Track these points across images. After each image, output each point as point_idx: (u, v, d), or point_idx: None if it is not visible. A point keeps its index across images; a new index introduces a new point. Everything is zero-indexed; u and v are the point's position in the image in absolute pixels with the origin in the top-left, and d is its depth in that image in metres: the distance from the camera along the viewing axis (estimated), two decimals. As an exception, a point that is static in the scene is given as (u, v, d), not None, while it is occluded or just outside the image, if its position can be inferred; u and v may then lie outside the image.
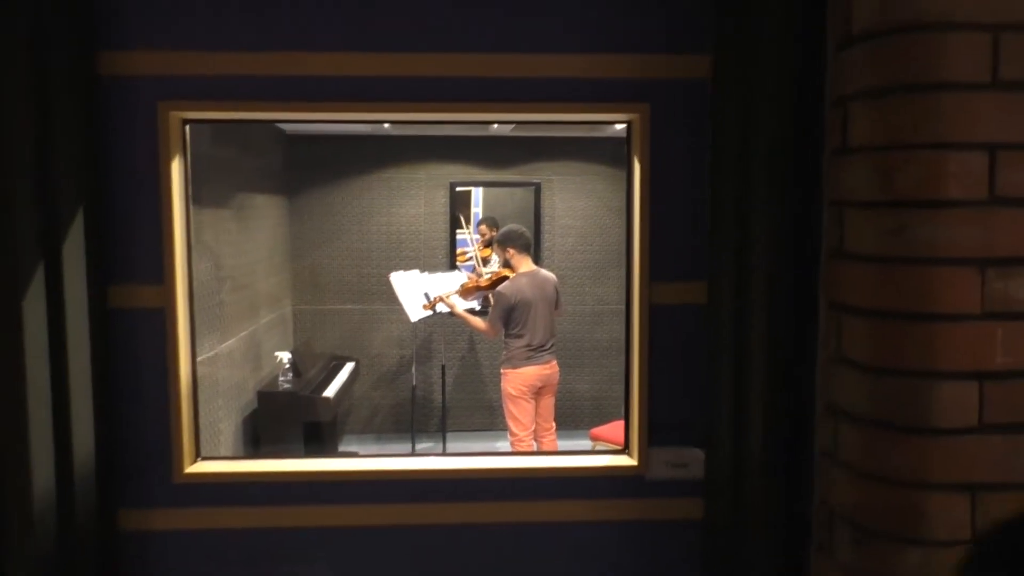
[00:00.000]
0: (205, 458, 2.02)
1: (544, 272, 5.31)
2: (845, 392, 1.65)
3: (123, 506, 1.94)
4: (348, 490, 2.03)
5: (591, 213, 6.77)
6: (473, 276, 5.50)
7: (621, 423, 5.70)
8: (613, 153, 6.71)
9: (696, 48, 1.98)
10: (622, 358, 6.77)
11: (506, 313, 5.07)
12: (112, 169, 1.90)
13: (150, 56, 1.90)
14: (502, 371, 5.16)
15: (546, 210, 6.76)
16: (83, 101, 1.81)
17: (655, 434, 2.03)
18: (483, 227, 6.68)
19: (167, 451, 1.93)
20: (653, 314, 2.01)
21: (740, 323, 1.86)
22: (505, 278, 5.30)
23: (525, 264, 5.22)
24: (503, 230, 5.37)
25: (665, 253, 2.01)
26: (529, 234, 5.35)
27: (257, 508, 1.99)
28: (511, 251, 5.26)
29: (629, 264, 2.08)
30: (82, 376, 1.78)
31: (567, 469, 2.04)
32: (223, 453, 4.67)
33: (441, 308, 5.73)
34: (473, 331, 6.15)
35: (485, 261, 6.42)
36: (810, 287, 1.81)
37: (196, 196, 4.54)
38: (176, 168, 1.92)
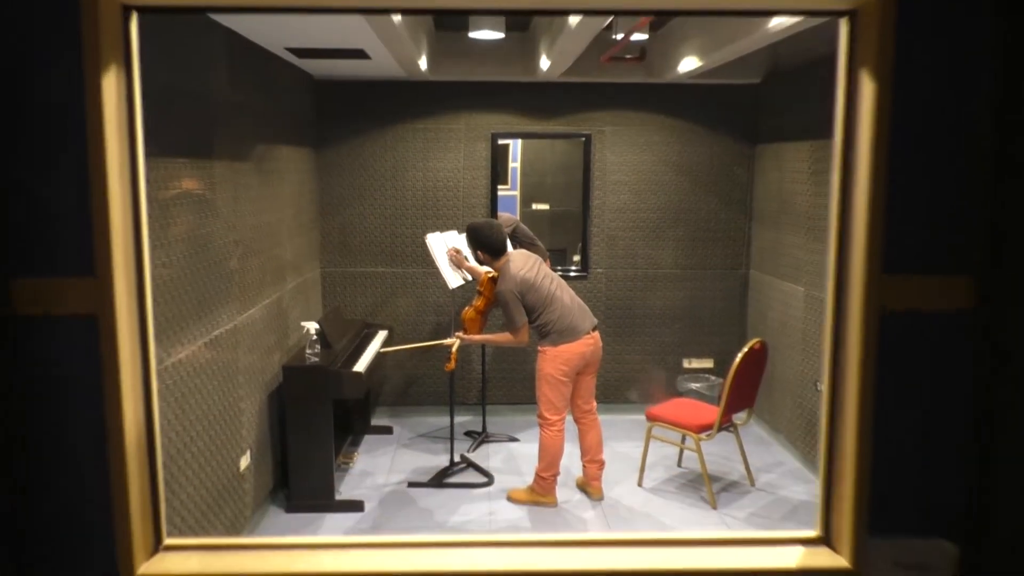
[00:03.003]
0: (168, 548, 1.24)
1: (517, 251, 4.47)
2: None
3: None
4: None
5: (646, 168, 5.90)
6: (468, 309, 4.57)
7: (680, 401, 4.90)
8: (675, 101, 5.81)
9: None
10: (676, 327, 5.85)
11: (519, 302, 4.22)
12: (11, 90, 1.11)
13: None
14: (540, 348, 4.33)
15: (596, 164, 5.89)
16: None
17: (877, 516, 1.24)
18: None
19: (109, 541, 1.17)
20: (883, 325, 1.20)
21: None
22: (493, 279, 4.46)
23: (501, 259, 4.35)
24: (474, 226, 4.40)
25: (906, 230, 1.19)
26: (503, 231, 4.42)
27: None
28: (482, 255, 4.39)
29: (843, 247, 1.25)
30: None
31: (740, 573, 1.25)
32: (244, 436, 3.96)
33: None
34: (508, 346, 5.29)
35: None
36: None
37: (208, 147, 3.78)
38: (113, 86, 1.13)
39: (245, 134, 4.08)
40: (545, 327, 4.25)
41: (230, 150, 3.82)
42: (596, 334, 4.36)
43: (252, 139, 4.20)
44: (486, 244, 4.33)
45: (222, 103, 3.71)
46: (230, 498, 3.78)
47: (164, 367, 3.02)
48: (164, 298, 3.01)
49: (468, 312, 4.52)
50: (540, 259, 4.44)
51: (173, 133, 3.14)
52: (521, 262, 4.30)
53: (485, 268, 4.59)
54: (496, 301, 4.39)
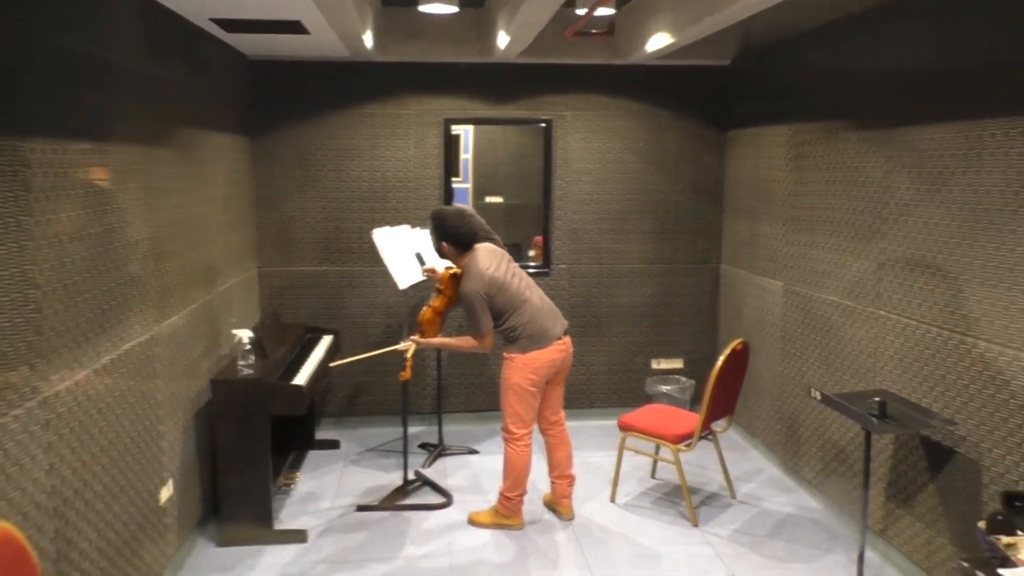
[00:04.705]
0: None
1: (483, 244, 3.84)
2: None
3: None
4: None
5: (612, 156, 5.43)
6: (425, 309, 3.96)
7: (653, 407, 4.34)
8: (641, 83, 5.35)
9: None
10: (644, 325, 5.40)
11: (485, 305, 3.67)
12: None
13: None
14: (506, 356, 3.80)
15: (558, 152, 5.40)
16: None
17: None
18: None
19: None
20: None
21: None
22: (455, 275, 3.86)
23: (467, 254, 3.79)
24: (441, 214, 3.81)
25: None
26: (473, 221, 3.82)
27: None
28: (447, 247, 3.79)
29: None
30: None
31: None
32: (165, 463, 3.38)
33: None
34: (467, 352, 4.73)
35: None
36: None
37: (113, 128, 3.15)
38: None
39: (163, 116, 3.48)
40: (513, 332, 3.74)
41: (143, 133, 3.22)
42: (568, 339, 3.87)
43: (172, 122, 3.60)
44: (454, 235, 3.75)
45: (131, 78, 3.11)
46: (147, 538, 3.20)
47: (55, 393, 2.44)
48: (53, 309, 2.43)
49: (426, 312, 3.93)
50: (507, 254, 3.92)
51: (64, 109, 2.54)
52: (488, 258, 3.76)
53: (445, 263, 4.04)
54: (459, 301, 3.84)
